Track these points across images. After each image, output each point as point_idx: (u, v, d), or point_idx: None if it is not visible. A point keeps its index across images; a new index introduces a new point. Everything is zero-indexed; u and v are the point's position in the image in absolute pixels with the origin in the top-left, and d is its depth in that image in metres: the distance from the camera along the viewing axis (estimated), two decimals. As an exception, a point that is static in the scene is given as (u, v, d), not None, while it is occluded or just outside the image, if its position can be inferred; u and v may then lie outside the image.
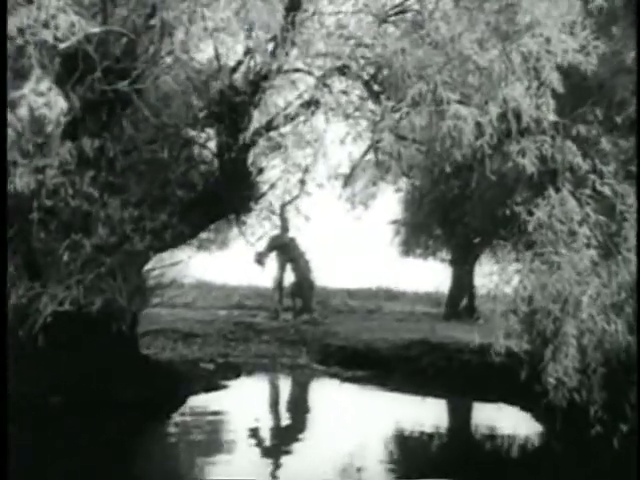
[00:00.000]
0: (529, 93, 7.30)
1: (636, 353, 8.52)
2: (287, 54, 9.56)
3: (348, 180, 8.96)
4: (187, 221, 12.07)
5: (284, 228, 22.42)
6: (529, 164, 7.73)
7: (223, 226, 19.74)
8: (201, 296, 27.10)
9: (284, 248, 23.37)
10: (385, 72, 7.62)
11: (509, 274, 9.22)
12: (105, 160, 10.33)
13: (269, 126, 11.97)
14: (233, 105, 11.36)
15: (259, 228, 15.03)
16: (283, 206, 20.90)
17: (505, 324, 8.22)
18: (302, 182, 17.06)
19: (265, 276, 24.91)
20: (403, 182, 25.19)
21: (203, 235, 22.38)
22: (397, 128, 7.77)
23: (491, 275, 10.21)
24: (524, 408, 14.62)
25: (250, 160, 12.78)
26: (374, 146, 8.53)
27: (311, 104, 10.73)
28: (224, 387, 16.03)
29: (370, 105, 8.63)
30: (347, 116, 10.44)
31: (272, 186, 13.80)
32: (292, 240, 23.36)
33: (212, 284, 29.56)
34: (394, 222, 26.72)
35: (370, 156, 24.81)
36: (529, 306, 8.16)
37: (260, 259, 22.55)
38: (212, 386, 15.70)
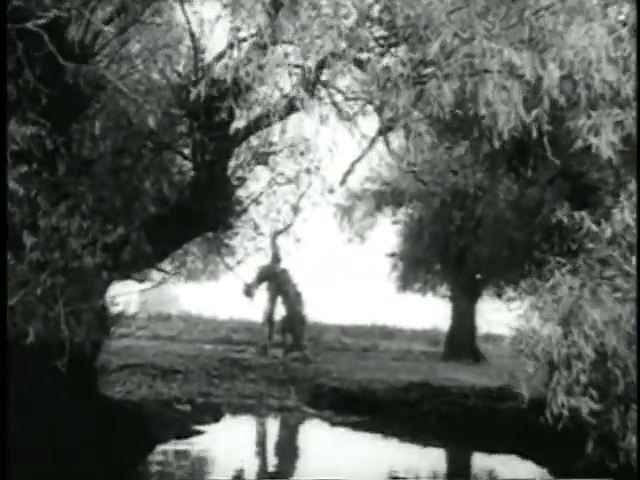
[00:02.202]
0: (605, 43, 4.83)
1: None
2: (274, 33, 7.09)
3: (344, 180, 6.47)
4: (152, 238, 9.52)
5: (275, 258, 20.34)
6: (605, 145, 5.25)
7: (212, 255, 17.59)
8: (187, 329, 25.00)
9: (275, 279, 21.10)
10: (401, 23, 5.22)
11: (546, 308, 6.63)
12: (44, 154, 7.87)
13: (252, 127, 9.54)
14: (211, 98, 8.93)
15: (241, 250, 12.52)
16: (275, 235, 18.93)
17: (560, 374, 5.64)
18: (295, 209, 14.84)
19: (256, 309, 23.10)
20: (401, 214, 23.37)
21: (191, 265, 20.65)
22: (415, 106, 5.35)
23: (520, 309, 7.73)
24: (540, 462, 12.46)
25: (230, 170, 10.33)
26: (384, 131, 6.06)
27: (303, 98, 8.22)
28: (200, 433, 13.43)
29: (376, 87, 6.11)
30: (347, 116, 7.99)
31: (256, 200, 11.24)
32: (284, 271, 21.30)
33: (200, 317, 27.75)
34: (392, 255, 24.43)
35: (369, 186, 22.72)
36: (596, 350, 5.59)
37: (249, 291, 20.48)
38: (185, 432, 13.15)
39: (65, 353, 8.52)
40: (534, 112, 4.92)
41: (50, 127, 7.96)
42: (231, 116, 9.65)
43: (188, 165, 11.37)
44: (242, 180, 10.62)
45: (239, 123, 10.11)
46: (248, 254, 13.64)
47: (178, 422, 13.62)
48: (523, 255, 9.77)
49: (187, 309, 27.44)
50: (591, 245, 6.06)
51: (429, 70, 4.91)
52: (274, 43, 7.30)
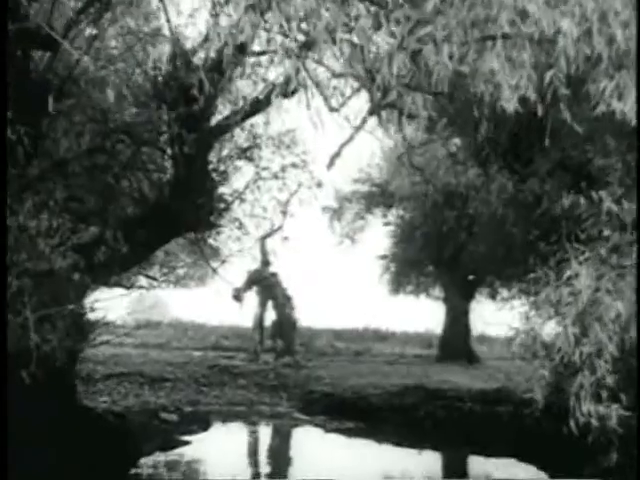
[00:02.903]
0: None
1: None
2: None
3: (332, 163, 5.75)
4: (129, 238, 8.74)
5: (265, 262, 19.60)
6: (632, 110, 4.52)
7: (199, 259, 16.85)
8: (176, 336, 24.21)
9: (264, 283, 20.34)
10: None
11: (561, 302, 5.85)
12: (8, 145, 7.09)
13: (232, 118, 8.82)
14: (188, 87, 8.19)
15: (226, 251, 11.75)
16: (263, 238, 18.23)
17: (583, 377, 4.92)
18: (284, 212, 14.16)
19: (246, 315, 22.34)
20: (392, 215, 22.74)
21: (180, 271, 19.98)
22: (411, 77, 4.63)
23: (523, 306, 7.04)
24: (542, 467, 11.77)
25: (212, 165, 9.58)
26: (375, 108, 5.34)
27: (288, 86, 7.46)
28: (187, 443, 12.65)
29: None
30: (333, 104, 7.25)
31: (240, 197, 10.45)
32: (273, 275, 20.51)
33: (190, 323, 27.00)
34: (383, 257, 23.65)
35: (359, 188, 21.99)
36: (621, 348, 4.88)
37: (238, 295, 19.70)
38: (171, 443, 12.35)
39: (32, 361, 7.70)
40: (549, 73, 4.20)
41: (12, 116, 7.18)
42: (209, 104, 8.94)
43: (168, 162, 10.66)
44: (224, 175, 9.86)
45: (220, 116, 9.43)
46: (232, 254, 12.85)
47: (163, 433, 12.85)
48: (523, 251, 9.05)
49: (176, 316, 26.61)
50: (606, 232, 5.34)
51: (426, 30, 4.18)
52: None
